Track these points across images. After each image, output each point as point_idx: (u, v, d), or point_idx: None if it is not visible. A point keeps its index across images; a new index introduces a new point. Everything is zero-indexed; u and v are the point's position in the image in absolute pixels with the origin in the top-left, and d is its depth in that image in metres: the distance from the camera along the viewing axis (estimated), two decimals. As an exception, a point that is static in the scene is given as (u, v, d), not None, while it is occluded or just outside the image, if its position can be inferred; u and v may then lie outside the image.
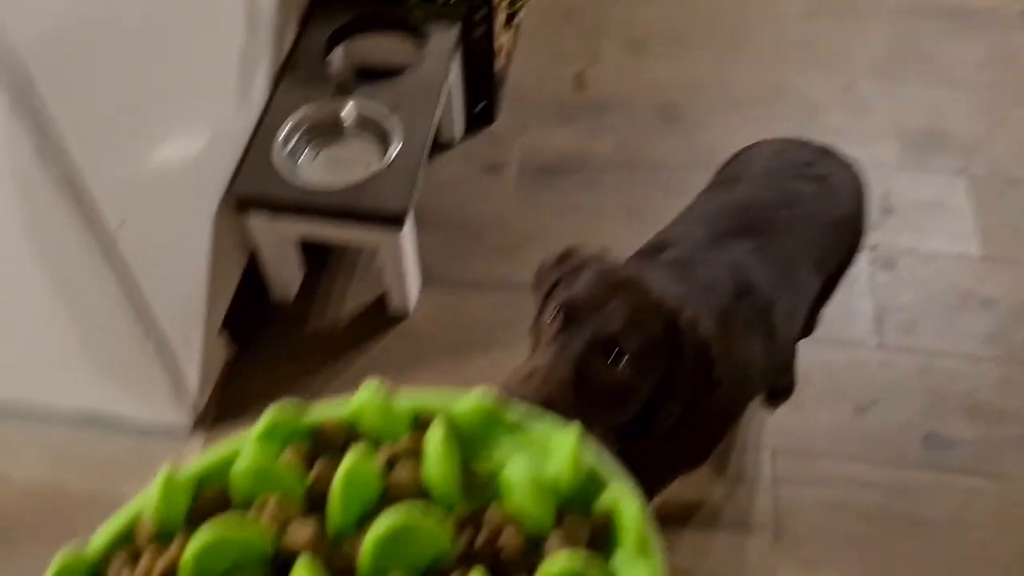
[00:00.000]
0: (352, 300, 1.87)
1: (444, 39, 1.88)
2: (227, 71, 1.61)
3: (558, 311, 0.94)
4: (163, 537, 0.51)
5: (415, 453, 0.54)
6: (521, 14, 2.29)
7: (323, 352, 1.78)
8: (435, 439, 0.51)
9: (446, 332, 1.82)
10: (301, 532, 0.49)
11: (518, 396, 0.83)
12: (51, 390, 1.65)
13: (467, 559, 0.49)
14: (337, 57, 1.94)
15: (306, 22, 1.89)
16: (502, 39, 2.14)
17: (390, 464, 0.55)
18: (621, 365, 0.91)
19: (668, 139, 2.17)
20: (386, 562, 0.47)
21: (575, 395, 0.88)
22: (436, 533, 0.48)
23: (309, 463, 0.55)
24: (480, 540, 0.49)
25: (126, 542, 0.52)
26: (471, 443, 0.56)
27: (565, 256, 1.07)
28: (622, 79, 2.31)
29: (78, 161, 1.18)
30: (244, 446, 0.55)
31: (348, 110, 1.75)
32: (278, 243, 1.74)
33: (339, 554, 0.49)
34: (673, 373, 0.96)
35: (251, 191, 1.62)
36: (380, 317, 1.84)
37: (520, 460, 0.51)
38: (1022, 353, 1.80)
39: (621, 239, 1.94)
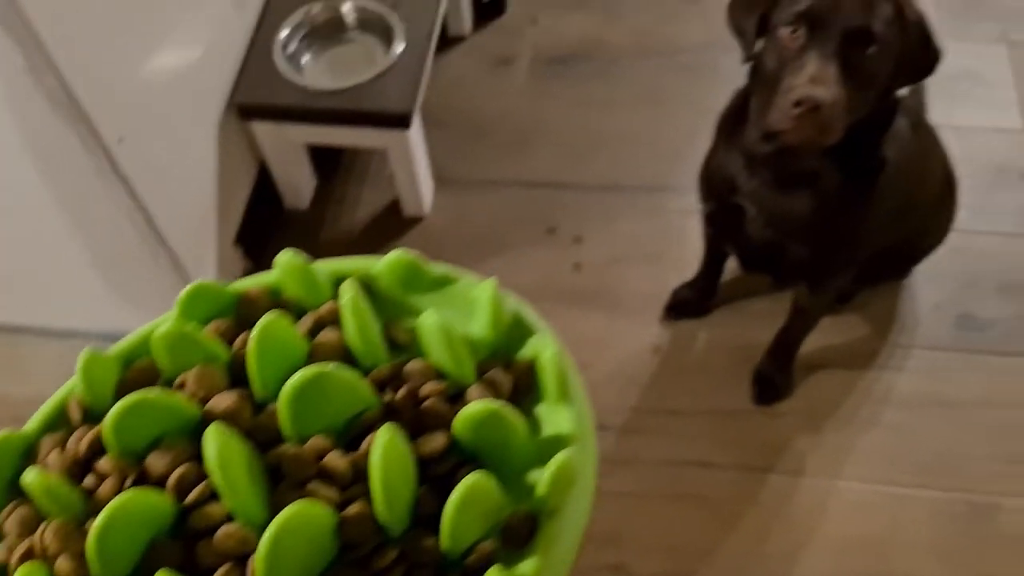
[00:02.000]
0: (366, 205, 1.85)
1: (445, -74, 1.79)
2: (220, -26, 1.55)
3: (798, 24, 1.02)
4: (95, 417, 0.50)
5: (338, 319, 0.53)
6: None
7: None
8: (347, 298, 0.50)
9: (462, 232, 1.79)
10: (221, 400, 0.48)
11: (812, 100, 0.98)
12: (67, 312, 1.66)
13: (390, 414, 0.48)
14: (336, -47, 1.86)
15: (301, -83, 1.81)
16: (508, -77, 2.04)
17: (316, 330, 0.53)
18: (873, 50, 1.02)
19: (688, 20, 2.08)
20: (306, 421, 0.46)
21: (848, 90, 1.00)
22: (352, 388, 0.46)
23: (233, 338, 0.53)
24: (400, 394, 0.48)
25: (59, 425, 0.52)
26: (394, 302, 0.55)
27: None
28: (637, -41, 2.20)
29: (68, 77, 1.15)
30: (171, 314, 0.53)
31: (349, 9, 1.69)
32: (286, 150, 1.71)
33: (263, 423, 0.48)
34: (904, 52, 1.06)
35: (253, 98, 1.58)
36: (395, 220, 1.81)
37: (432, 312, 0.50)
38: (1060, 227, 1.73)
39: (637, 129, 1.90)
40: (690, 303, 1.64)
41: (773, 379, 1.54)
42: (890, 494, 1.47)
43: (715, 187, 1.29)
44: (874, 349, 1.63)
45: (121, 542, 0.42)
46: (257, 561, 0.40)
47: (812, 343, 1.56)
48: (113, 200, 1.32)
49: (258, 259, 1.75)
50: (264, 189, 1.76)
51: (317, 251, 1.80)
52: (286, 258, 0.56)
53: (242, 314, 0.56)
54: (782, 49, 1.06)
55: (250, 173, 1.73)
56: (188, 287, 0.54)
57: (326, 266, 0.58)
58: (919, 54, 1.10)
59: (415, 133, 1.64)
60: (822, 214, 1.19)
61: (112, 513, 0.41)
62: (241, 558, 0.43)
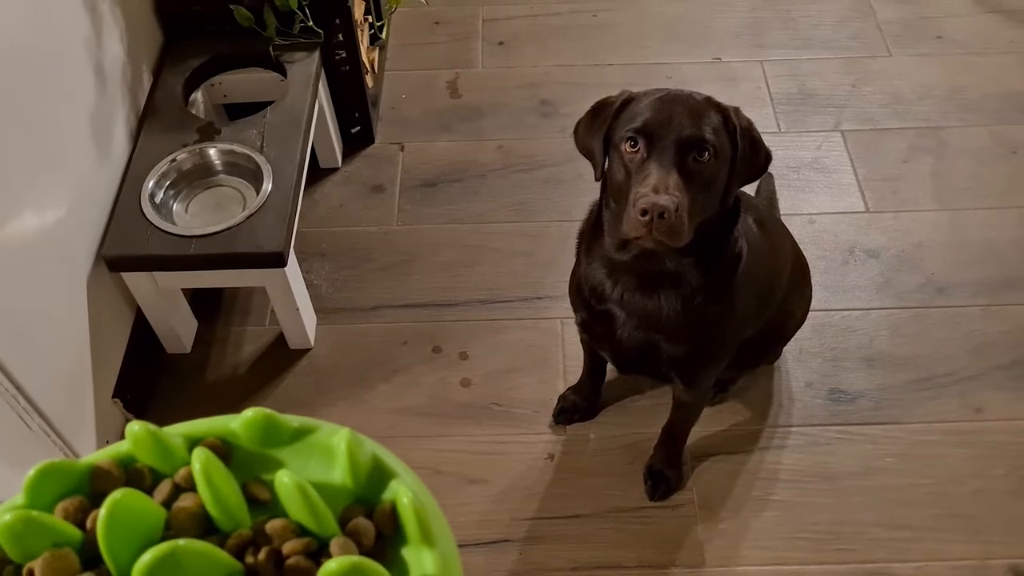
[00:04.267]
0: (251, 342, 1.84)
1: (305, 68, 1.85)
2: (82, 131, 1.56)
3: (637, 139, 1.11)
4: None
5: (189, 488, 0.54)
6: (385, 31, 2.27)
7: (227, 398, 1.75)
8: (199, 466, 0.50)
9: (349, 359, 1.80)
10: None
11: (657, 207, 1.05)
12: None
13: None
14: (199, 99, 1.90)
15: (160, 68, 1.85)
16: (369, 58, 2.13)
17: (175, 496, 0.54)
18: (707, 157, 1.11)
19: (546, 135, 2.18)
20: None
21: (689, 194, 1.09)
22: (210, 558, 0.46)
23: (87, 515, 0.53)
24: (262, 555, 0.49)
25: None
26: (253, 458, 0.56)
27: (600, 106, 1.22)
28: (495, 81, 2.31)
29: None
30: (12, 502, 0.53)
31: (215, 153, 1.71)
32: (162, 297, 1.70)
33: None
34: (736, 155, 1.16)
35: (123, 250, 1.58)
36: (281, 354, 1.81)
37: (286, 472, 0.51)
38: (909, 299, 1.86)
39: (511, 242, 1.96)
40: (578, 407, 1.68)
41: (664, 473, 1.58)
42: (791, 573, 1.51)
43: (584, 298, 1.34)
44: (756, 432, 1.69)
45: None
46: None
47: (697, 433, 1.61)
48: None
49: (140, 411, 1.71)
50: (142, 338, 1.74)
51: (203, 394, 1.78)
52: (135, 428, 0.56)
53: (95, 489, 0.55)
54: (626, 163, 1.13)
55: (126, 323, 1.71)
56: (34, 468, 0.54)
57: (179, 429, 0.58)
58: (751, 156, 1.19)
59: (291, 269, 1.65)
60: (688, 311, 1.26)
61: None
62: None
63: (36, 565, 0.48)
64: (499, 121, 2.22)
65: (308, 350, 1.81)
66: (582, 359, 1.64)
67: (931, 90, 2.26)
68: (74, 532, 0.51)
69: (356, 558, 0.46)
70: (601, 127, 1.19)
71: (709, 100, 1.16)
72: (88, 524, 0.52)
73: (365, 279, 1.93)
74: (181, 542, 0.45)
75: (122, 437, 1.64)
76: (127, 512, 0.48)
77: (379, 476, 0.55)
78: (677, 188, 1.08)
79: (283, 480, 0.50)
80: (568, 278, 1.44)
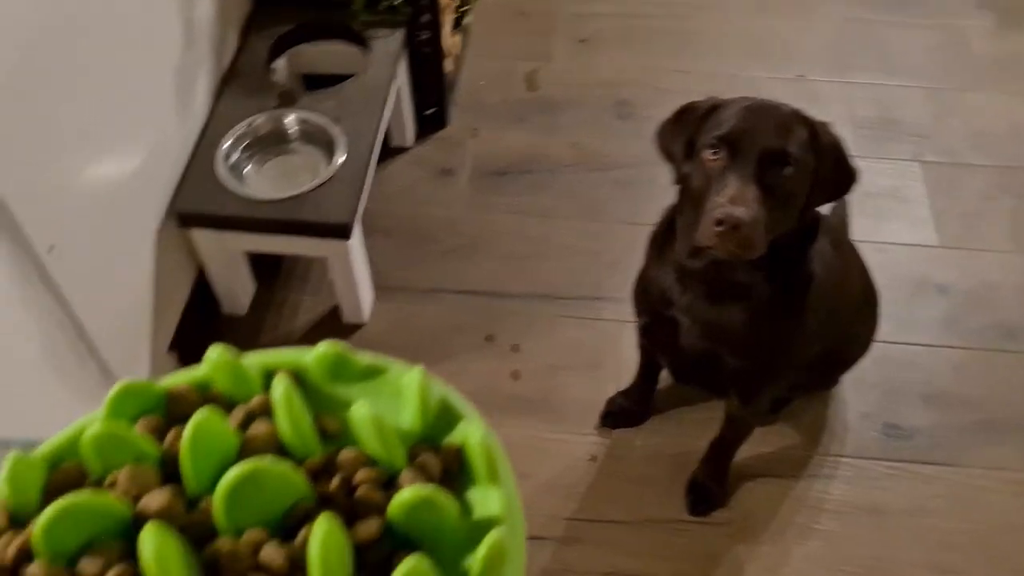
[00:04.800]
0: (306, 311, 1.85)
1: (388, 45, 1.85)
2: (165, 85, 1.58)
3: (719, 147, 1.09)
4: (20, 522, 0.50)
5: (269, 410, 0.54)
6: (470, 16, 2.27)
7: (277, 366, 1.75)
8: (280, 392, 0.51)
9: (402, 340, 1.80)
10: (155, 499, 0.48)
11: (732, 219, 1.03)
12: (9, 419, 1.62)
13: (324, 504, 0.49)
14: (281, 66, 1.91)
15: (247, 31, 1.87)
16: (451, 42, 2.12)
17: (247, 423, 0.54)
18: (789, 171, 1.08)
19: (621, 136, 2.16)
20: (241, 515, 0.47)
21: (767, 208, 1.06)
22: (287, 480, 0.47)
23: (164, 434, 0.54)
24: (334, 483, 0.49)
25: None
26: (323, 393, 0.56)
27: (685, 111, 1.20)
28: (574, 77, 2.30)
29: None
30: (95, 416, 0.54)
31: (291, 120, 1.72)
32: (226, 257, 1.71)
33: (198, 518, 0.48)
34: (820, 173, 1.12)
35: (194, 207, 1.59)
36: (335, 327, 1.82)
37: (363, 403, 0.51)
38: (976, 339, 1.80)
39: (575, 239, 1.95)
40: (626, 412, 1.66)
41: (708, 489, 1.56)
42: (826, 604, 1.48)
43: (649, 301, 1.32)
44: (805, 458, 1.65)
45: None
46: None
47: (745, 452, 1.58)
48: (41, 308, 1.30)
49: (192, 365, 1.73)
50: (202, 295, 1.76)
51: None
52: (215, 353, 0.57)
53: (172, 411, 0.56)
54: (706, 170, 1.11)
55: (188, 279, 1.73)
56: (116, 386, 0.56)
57: (255, 359, 0.59)
58: (835, 175, 1.16)
59: (355, 243, 1.66)
60: (754, 326, 1.23)
61: None
62: None
63: (119, 476, 0.49)
64: (575, 117, 2.20)
65: (361, 325, 1.82)
66: (636, 364, 1.61)
67: (1020, 129, 2.19)
68: (153, 449, 0.51)
69: (429, 488, 0.46)
70: (684, 131, 1.17)
71: (797, 113, 1.13)
72: (165, 443, 0.52)
73: (425, 261, 1.92)
74: (265, 462, 0.46)
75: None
76: (208, 433, 0.49)
77: (447, 418, 0.56)
78: (755, 201, 1.06)
79: (359, 411, 0.50)
80: (631, 281, 1.42)
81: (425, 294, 1.87)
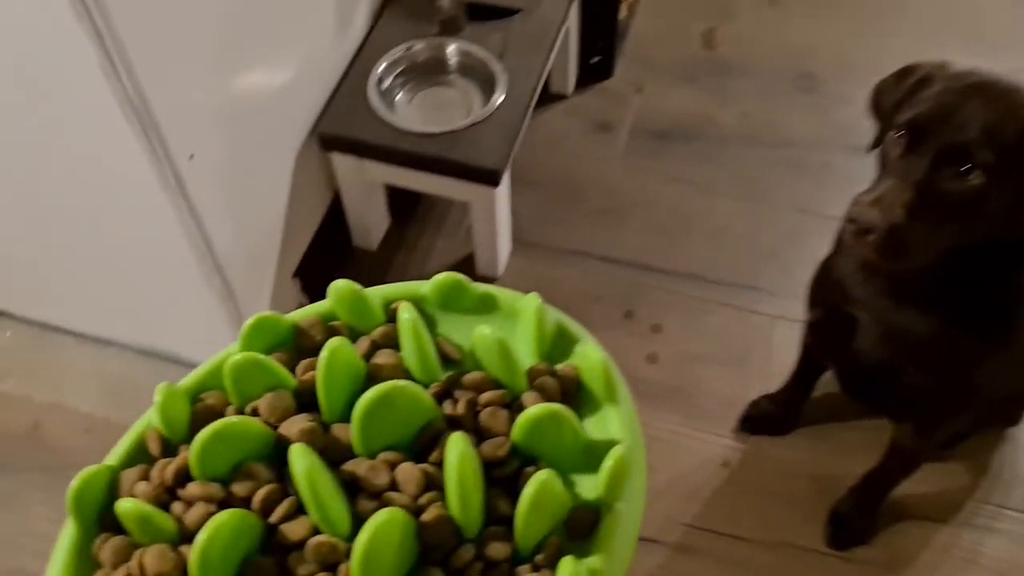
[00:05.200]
0: (438, 255, 1.75)
1: (565, -20, 1.70)
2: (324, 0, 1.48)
3: (902, 132, 0.91)
4: (170, 449, 0.53)
5: (391, 340, 0.56)
6: (652, -40, 2.08)
7: (401, 309, 1.66)
8: (407, 320, 0.53)
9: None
10: (295, 423, 0.50)
11: (863, 221, 0.87)
12: (105, 320, 1.58)
13: (452, 425, 0.50)
14: (447, -8, 1.78)
15: (417, -50, 1.74)
16: (629, -14, 1.95)
17: (371, 352, 0.55)
18: (972, 176, 0.87)
19: (800, 111, 1.95)
20: (375, 437, 0.48)
21: (920, 220, 0.87)
22: (419, 402, 0.49)
23: (294, 366, 0.56)
24: (461, 404, 0.50)
25: (137, 458, 0.54)
26: (443, 320, 0.57)
27: (905, 73, 1.01)
28: (756, 41, 2.09)
29: (144, 80, 1.07)
30: (232, 350, 0.56)
31: (452, 51, 1.60)
32: (364, 187, 1.62)
33: (333, 442, 0.50)
34: None
35: (339, 130, 1.49)
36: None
37: (488, 328, 0.52)
38: None
39: (733, 219, 1.77)
40: (770, 418, 1.50)
41: (853, 522, 1.39)
42: (968, 670, 1.30)
43: (825, 292, 1.15)
44: (963, 503, 1.46)
45: (220, 560, 0.44)
46: (353, 566, 0.42)
47: (900, 488, 1.40)
48: (172, 218, 1.23)
49: (315, 295, 1.65)
50: (332, 224, 1.67)
51: None
52: (341, 286, 0.59)
53: (299, 344, 0.58)
54: (886, 153, 0.94)
55: (322, 205, 1.64)
56: (251, 319, 0.57)
57: (376, 291, 0.60)
58: None
59: (503, 191, 1.53)
60: (945, 341, 1.04)
61: (212, 533, 0.43)
62: (331, 567, 0.46)
63: (259, 404, 0.51)
64: (750, 85, 2.01)
65: (494, 279, 1.70)
66: (791, 365, 1.44)
67: None
68: (288, 378, 0.53)
69: (554, 405, 0.47)
70: (895, 95, 0.99)
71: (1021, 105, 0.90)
72: (297, 373, 0.54)
73: (570, 220, 1.79)
74: (399, 383, 0.47)
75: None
76: (340, 362, 0.50)
77: (562, 342, 0.56)
78: (903, 207, 0.87)
79: (484, 333, 0.51)
80: (791, 275, 1.24)
81: (565, 255, 1.74)
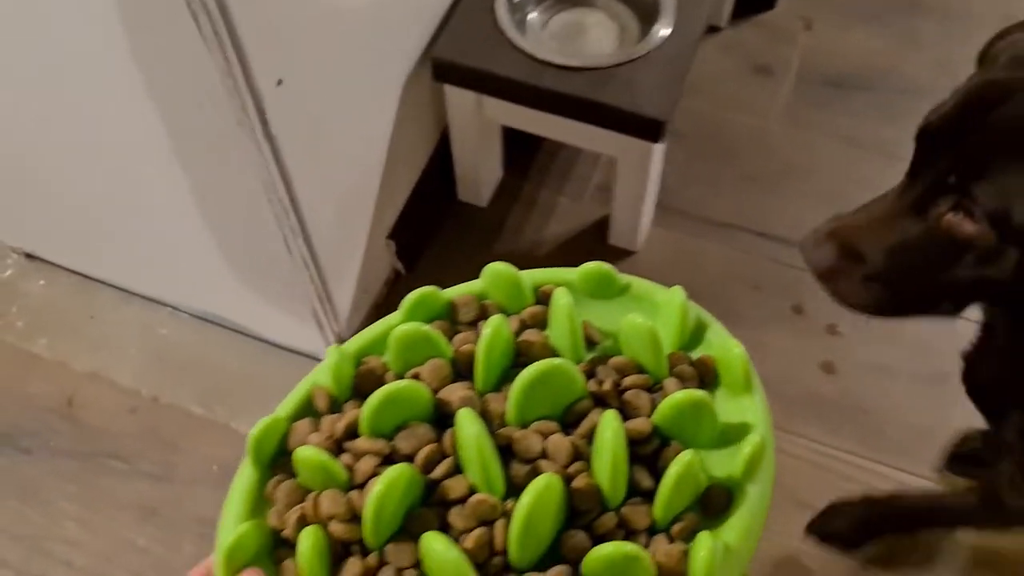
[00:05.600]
0: (560, 220, 1.43)
1: None
2: None
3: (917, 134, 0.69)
4: (335, 406, 0.55)
5: (539, 321, 0.56)
6: None
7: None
8: (562, 303, 0.54)
9: (680, 281, 1.35)
10: (455, 390, 0.52)
11: (806, 261, 0.72)
12: (155, 279, 1.32)
13: (598, 403, 0.51)
14: None
15: None
16: None
17: (519, 332, 0.55)
18: (963, 217, 0.64)
19: (1010, 64, 1.58)
20: (529, 409, 0.51)
21: (898, 266, 0.68)
22: (572, 379, 0.51)
23: (450, 338, 0.56)
24: (607, 384, 0.51)
25: (304, 413, 0.55)
26: (586, 305, 0.58)
27: (994, 40, 0.78)
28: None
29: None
30: (395, 320, 0.57)
31: (602, -37, 1.26)
32: (481, 130, 1.31)
33: (487, 410, 0.52)
34: None
35: (459, 57, 1.17)
36: (595, 247, 1.40)
37: (635, 315, 0.53)
38: None
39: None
40: (983, 461, 1.17)
41: (855, 523, 1.13)
42: None
43: None
44: None
45: (391, 509, 0.48)
46: (515, 525, 0.46)
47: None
48: (249, 159, 0.93)
49: (411, 261, 1.35)
50: (436, 174, 1.36)
51: (486, 260, 1.44)
52: (498, 267, 0.57)
53: (452, 318, 0.58)
54: None
55: (426, 150, 1.34)
56: (414, 293, 0.55)
57: (527, 274, 0.58)
58: None
59: (660, 148, 1.21)
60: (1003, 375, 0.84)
61: (388, 484, 0.47)
62: (487, 523, 0.48)
63: (421, 371, 0.53)
64: (949, 29, 1.63)
65: (631, 253, 1.39)
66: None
67: None
68: (448, 349, 0.55)
69: (698, 392, 0.49)
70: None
71: None
72: (455, 345, 0.55)
73: (722, 182, 1.46)
74: (558, 362, 0.49)
75: (385, 286, 1.35)
76: (499, 336, 0.52)
77: (699, 334, 0.56)
78: (867, 243, 0.69)
79: (636, 321, 0.52)
80: None
81: (717, 228, 1.41)
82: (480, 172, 1.38)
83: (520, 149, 1.45)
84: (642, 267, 1.37)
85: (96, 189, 1.13)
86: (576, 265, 0.55)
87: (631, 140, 1.17)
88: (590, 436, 0.50)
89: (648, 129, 1.14)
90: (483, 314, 0.58)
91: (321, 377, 0.56)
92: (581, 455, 0.50)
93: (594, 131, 1.18)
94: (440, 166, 1.36)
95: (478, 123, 1.28)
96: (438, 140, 1.35)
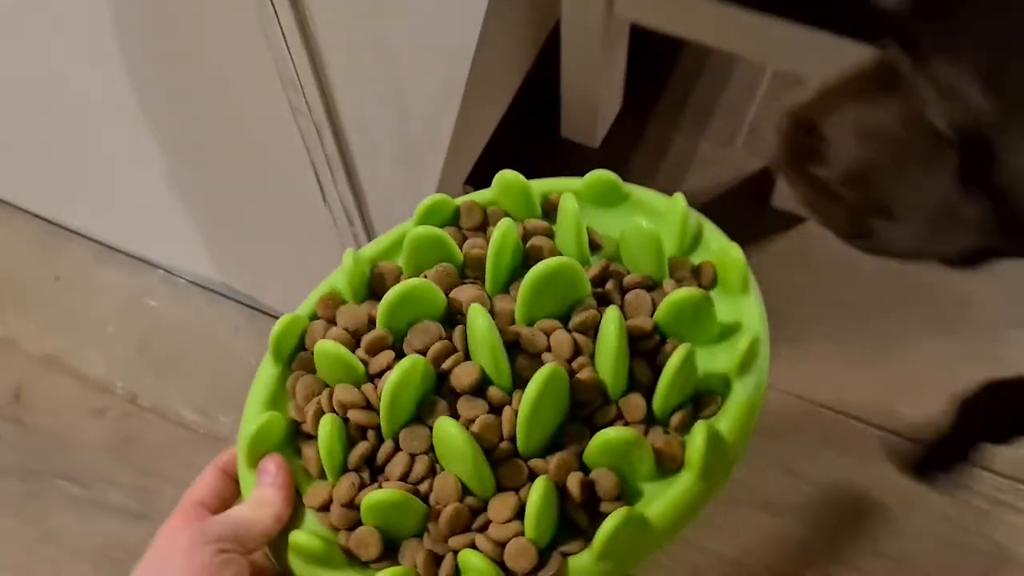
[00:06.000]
0: (700, 168, 1.08)
1: None
2: None
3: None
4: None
5: (545, 229, 0.59)
6: None
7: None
8: (567, 206, 0.57)
9: (872, 268, 0.99)
10: (466, 291, 0.56)
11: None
12: (173, 241, 1.02)
13: (601, 302, 0.54)
14: None
15: None
16: None
17: (527, 238, 0.59)
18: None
19: None
20: (536, 307, 0.54)
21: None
22: (577, 279, 0.54)
23: (459, 243, 0.59)
24: (610, 284, 0.55)
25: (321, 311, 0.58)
26: (592, 211, 0.61)
27: None
28: None
29: None
30: (408, 226, 0.59)
31: None
32: (602, 41, 0.96)
33: (495, 310, 0.55)
34: None
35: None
36: (751, 208, 1.05)
37: (644, 221, 0.56)
38: None
39: None
40: None
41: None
42: None
43: None
44: None
45: (405, 398, 0.51)
46: (523, 410, 0.49)
47: None
48: (274, 71, 0.64)
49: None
50: (533, 101, 1.05)
51: None
52: (509, 176, 0.58)
53: (460, 223, 0.60)
54: None
55: (520, 66, 1.02)
56: (427, 200, 0.57)
57: (537, 184, 0.61)
58: None
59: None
60: None
61: (403, 372, 0.50)
62: (495, 411, 0.52)
63: (430, 273, 0.56)
64: None
65: (801, 220, 1.02)
66: None
67: None
68: (458, 253, 0.58)
69: (699, 291, 0.52)
70: None
71: None
72: (464, 249, 0.58)
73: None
74: (565, 260, 0.53)
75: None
76: (508, 239, 0.55)
77: (698, 241, 0.59)
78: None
79: (639, 225, 0.55)
80: None
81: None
82: (592, 100, 1.04)
83: (646, 73, 1.11)
84: (813, 243, 1.00)
85: (74, 100, 0.81)
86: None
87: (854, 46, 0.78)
88: (593, 334, 0.52)
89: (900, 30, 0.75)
90: (487, 220, 0.61)
91: (338, 280, 0.59)
92: (583, 351, 0.53)
93: (815, 36, 0.79)
94: (539, 89, 1.05)
95: (601, 29, 0.92)
96: (538, 53, 1.03)
